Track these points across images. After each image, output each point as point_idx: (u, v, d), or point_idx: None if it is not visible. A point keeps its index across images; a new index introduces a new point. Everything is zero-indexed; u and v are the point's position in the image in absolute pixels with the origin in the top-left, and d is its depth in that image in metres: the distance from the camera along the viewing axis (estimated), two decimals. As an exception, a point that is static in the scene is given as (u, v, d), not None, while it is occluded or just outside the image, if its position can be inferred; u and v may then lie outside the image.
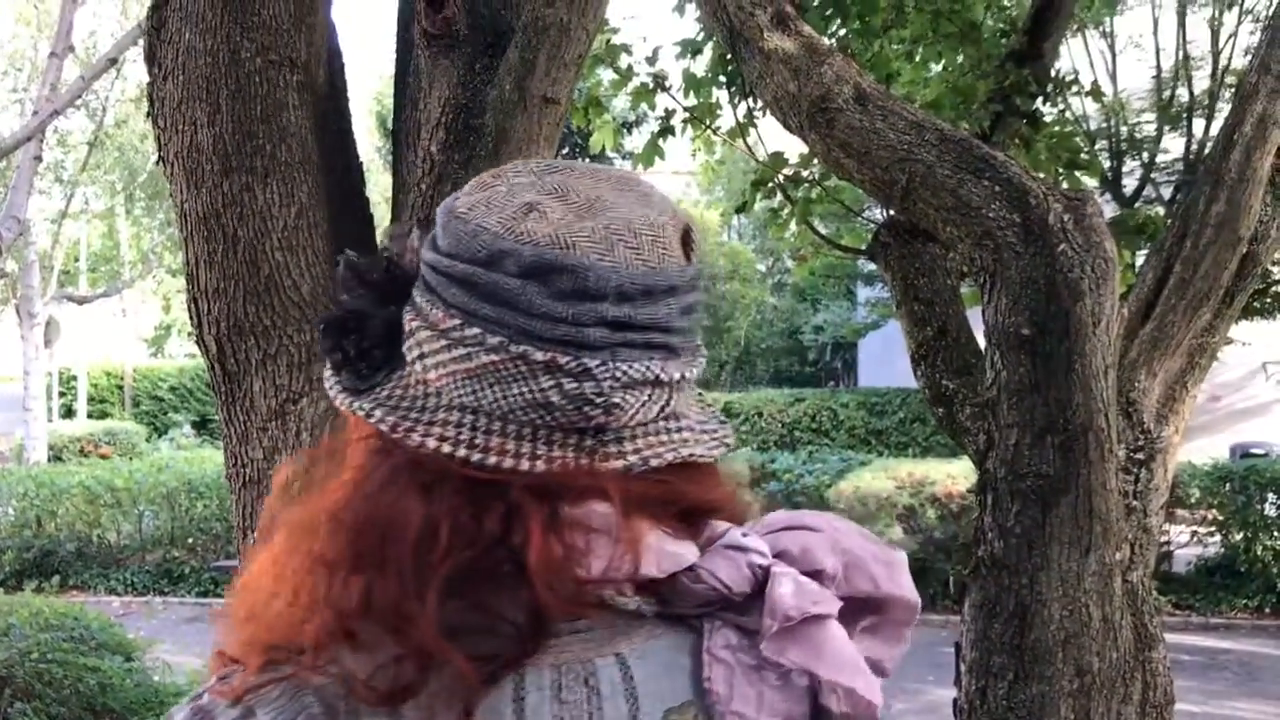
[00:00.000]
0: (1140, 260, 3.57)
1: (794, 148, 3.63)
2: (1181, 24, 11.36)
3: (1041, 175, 2.90)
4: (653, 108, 4.55)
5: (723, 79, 4.34)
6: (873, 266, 3.40)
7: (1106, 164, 11.39)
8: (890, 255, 2.98)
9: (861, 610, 0.70)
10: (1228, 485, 8.96)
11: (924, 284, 2.91)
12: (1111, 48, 12.39)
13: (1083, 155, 4.13)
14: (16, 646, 4.37)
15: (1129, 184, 11.78)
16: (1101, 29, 12.04)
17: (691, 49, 4.45)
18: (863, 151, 2.36)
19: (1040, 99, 3.69)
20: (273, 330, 1.92)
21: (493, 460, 0.64)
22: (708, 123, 4.52)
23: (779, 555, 0.68)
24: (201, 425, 19.52)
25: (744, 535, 0.68)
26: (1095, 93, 5.00)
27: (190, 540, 10.14)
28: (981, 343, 2.47)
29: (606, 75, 4.57)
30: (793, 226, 4.39)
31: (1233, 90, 7.05)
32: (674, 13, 4.65)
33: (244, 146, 1.91)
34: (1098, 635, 2.22)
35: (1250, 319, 6.23)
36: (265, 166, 1.92)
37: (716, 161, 5.41)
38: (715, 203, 23.31)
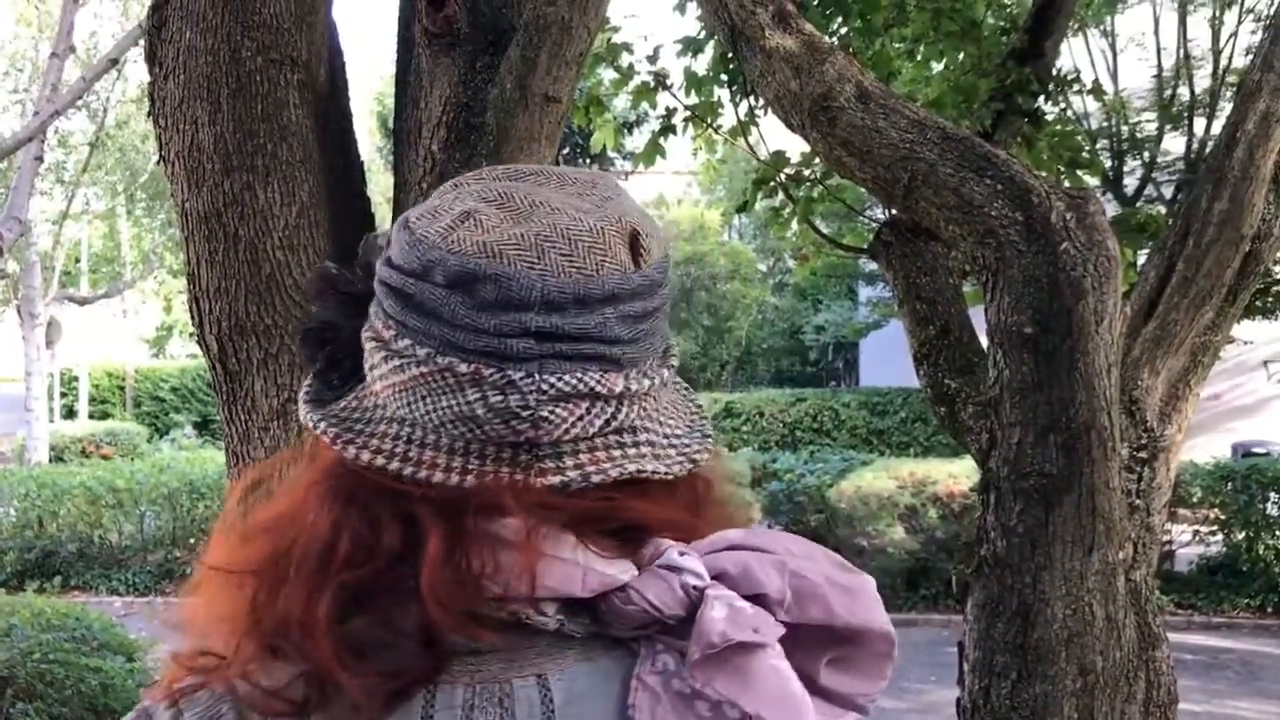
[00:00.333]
0: (1142, 259, 3.57)
1: (795, 146, 3.64)
2: (1182, 23, 11.35)
3: (1043, 174, 2.90)
4: (654, 106, 4.55)
5: (724, 77, 4.34)
6: (874, 266, 3.39)
7: (1108, 163, 11.39)
8: (892, 254, 2.97)
9: (827, 641, 0.65)
10: (1230, 484, 8.96)
11: (926, 283, 2.91)
12: (1112, 46, 12.39)
13: (1084, 154, 4.13)
14: (18, 647, 4.36)
15: (1130, 183, 11.77)
16: (1102, 28, 12.04)
17: (693, 47, 4.45)
18: (864, 150, 2.35)
19: (1042, 97, 3.69)
20: (274, 329, 1.91)
21: (424, 474, 0.63)
22: (709, 121, 4.51)
23: (717, 576, 0.63)
24: (203, 426, 19.52)
25: (680, 555, 0.64)
26: (1096, 91, 5.00)
27: (192, 541, 10.12)
28: (984, 341, 2.47)
29: (607, 74, 4.57)
30: (794, 226, 4.40)
31: (1234, 89, 7.06)
32: (675, 11, 4.64)
33: (245, 146, 1.90)
34: (1101, 634, 2.21)
35: (1252, 319, 6.23)
36: (266, 166, 1.91)
37: (718, 161, 5.41)
38: (716, 202, 23.35)
